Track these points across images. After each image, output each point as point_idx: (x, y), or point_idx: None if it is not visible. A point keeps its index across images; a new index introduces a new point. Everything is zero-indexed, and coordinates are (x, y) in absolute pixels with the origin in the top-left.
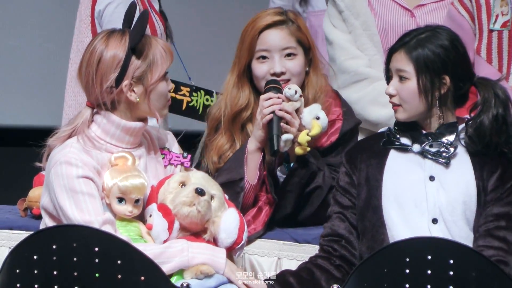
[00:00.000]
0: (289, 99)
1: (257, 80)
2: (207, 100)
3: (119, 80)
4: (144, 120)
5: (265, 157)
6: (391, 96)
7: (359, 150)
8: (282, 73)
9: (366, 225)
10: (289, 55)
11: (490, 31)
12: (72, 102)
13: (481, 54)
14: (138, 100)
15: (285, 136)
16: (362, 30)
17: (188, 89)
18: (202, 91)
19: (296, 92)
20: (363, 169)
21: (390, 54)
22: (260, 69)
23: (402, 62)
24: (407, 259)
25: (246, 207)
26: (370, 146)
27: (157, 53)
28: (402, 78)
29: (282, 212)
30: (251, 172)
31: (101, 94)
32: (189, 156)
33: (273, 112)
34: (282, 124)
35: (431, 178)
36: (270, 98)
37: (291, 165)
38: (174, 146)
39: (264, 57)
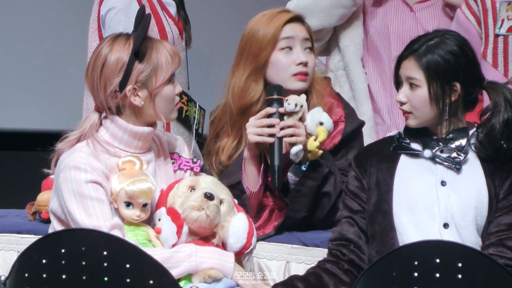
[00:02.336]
0: (290, 113)
1: (277, 72)
2: (195, 112)
3: (122, 84)
4: (153, 125)
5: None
6: (401, 103)
7: (369, 155)
8: (307, 63)
9: (376, 229)
10: (309, 48)
11: (496, 35)
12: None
13: (487, 59)
14: (142, 104)
15: (295, 149)
16: (353, 49)
17: (186, 98)
18: (192, 103)
19: (296, 105)
20: (373, 174)
21: (399, 61)
22: (285, 59)
23: (412, 69)
24: (416, 262)
25: (251, 212)
26: (379, 150)
27: (162, 56)
28: (412, 85)
29: (297, 215)
30: (251, 179)
31: (106, 99)
32: (199, 161)
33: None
34: (288, 139)
35: (443, 183)
36: (266, 118)
37: (303, 167)
38: (184, 151)
39: (288, 48)
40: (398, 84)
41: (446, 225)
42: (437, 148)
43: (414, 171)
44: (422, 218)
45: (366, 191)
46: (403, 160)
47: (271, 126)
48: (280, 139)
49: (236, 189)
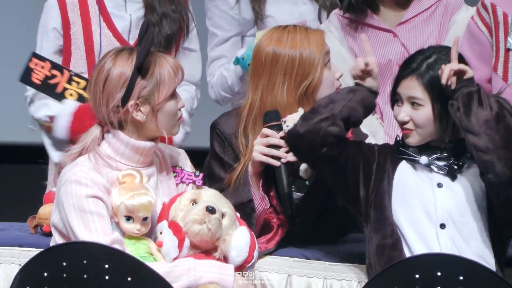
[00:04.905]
0: None
1: (325, 89)
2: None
3: (125, 99)
4: (155, 139)
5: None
6: (404, 123)
7: (385, 151)
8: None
9: (378, 217)
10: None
11: (507, 50)
12: None
13: (497, 72)
14: (144, 119)
15: (303, 166)
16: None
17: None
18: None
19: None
20: (381, 168)
21: (399, 80)
22: (331, 75)
23: (414, 88)
24: (417, 276)
25: (256, 230)
26: (390, 151)
27: (164, 71)
28: (414, 104)
29: (300, 230)
30: (256, 195)
31: (108, 113)
32: (201, 174)
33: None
34: (294, 158)
35: (439, 185)
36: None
37: (307, 182)
38: (187, 165)
39: (328, 62)
40: (394, 101)
41: (442, 226)
42: (434, 156)
43: (412, 175)
44: (419, 217)
45: (371, 164)
46: (403, 163)
47: (278, 146)
48: (286, 164)
49: (247, 207)
